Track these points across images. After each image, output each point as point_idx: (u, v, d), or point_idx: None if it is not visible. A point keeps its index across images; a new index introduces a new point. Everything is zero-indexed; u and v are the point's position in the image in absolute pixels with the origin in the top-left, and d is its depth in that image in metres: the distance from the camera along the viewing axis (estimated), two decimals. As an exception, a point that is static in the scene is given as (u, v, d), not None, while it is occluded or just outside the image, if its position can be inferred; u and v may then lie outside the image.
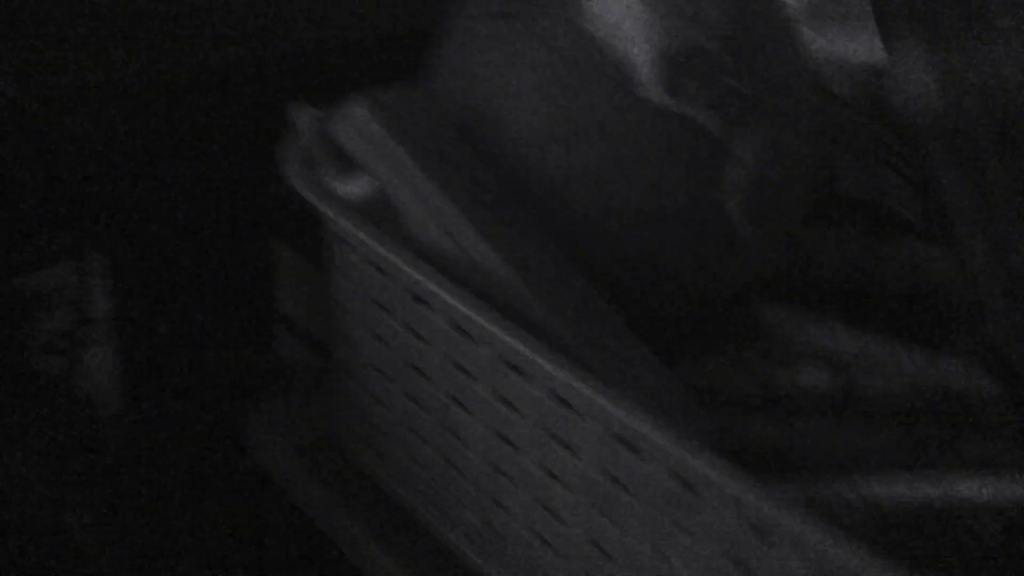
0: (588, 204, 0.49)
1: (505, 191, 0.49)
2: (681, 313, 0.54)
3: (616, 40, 0.49)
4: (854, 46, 0.73)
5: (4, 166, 0.68)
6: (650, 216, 0.49)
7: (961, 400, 0.48)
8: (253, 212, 0.85)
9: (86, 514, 0.88)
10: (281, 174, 0.51)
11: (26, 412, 0.97)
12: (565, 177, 0.49)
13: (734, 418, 0.49)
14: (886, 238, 0.57)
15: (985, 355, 0.51)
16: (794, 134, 0.52)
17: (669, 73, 0.48)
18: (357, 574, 0.58)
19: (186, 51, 0.67)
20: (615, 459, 0.40)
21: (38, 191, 0.73)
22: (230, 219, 0.84)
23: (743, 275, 0.53)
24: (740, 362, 0.53)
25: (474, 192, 0.47)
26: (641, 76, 0.48)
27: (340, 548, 0.58)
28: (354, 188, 0.50)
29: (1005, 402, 0.47)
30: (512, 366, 0.43)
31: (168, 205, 0.80)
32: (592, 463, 0.41)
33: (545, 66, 0.50)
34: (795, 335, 0.53)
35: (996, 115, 0.50)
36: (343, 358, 0.55)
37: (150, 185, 0.77)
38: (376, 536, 0.55)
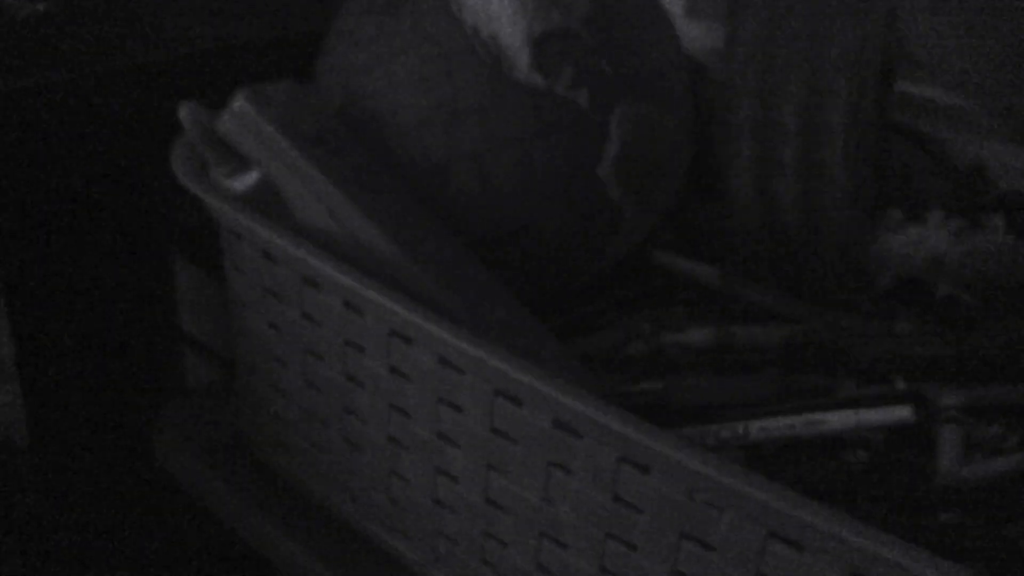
0: (470, 184, 0.51)
1: (389, 175, 0.51)
2: (567, 286, 0.56)
3: (488, 27, 0.51)
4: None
5: None
6: (530, 193, 0.52)
7: (832, 349, 0.51)
8: (154, 231, 0.85)
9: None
10: (176, 183, 0.52)
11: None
12: (447, 160, 0.51)
13: (622, 377, 0.51)
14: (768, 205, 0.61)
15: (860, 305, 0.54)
16: (664, 112, 0.55)
17: (538, 55, 0.50)
18: (270, 568, 0.59)
19: (82, 59, 0.68)
20: (500, 413, 0.42)
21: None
22: (131, 239, 0.84)
23: (624, 247, 0.55)
24: (632, 331, 0.56)
25: (357, 175, 0.49)
26: (513, 60, 0.51)
27: (253, 546, 0.58)
28: (244, 184, 0.52)
29: (875, 349, 0.50)
30: (401, 336, 0.45)
31: (67, 228, 0.80)
32: (479, 421, 0.43)
33: (424, 56, 0.52)
34: (684, 298, 0.56)
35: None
36: (243, 354, 0.56)
37: (47, 210, 0.77)
38: (285, 528, 0.56)
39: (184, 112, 0.52)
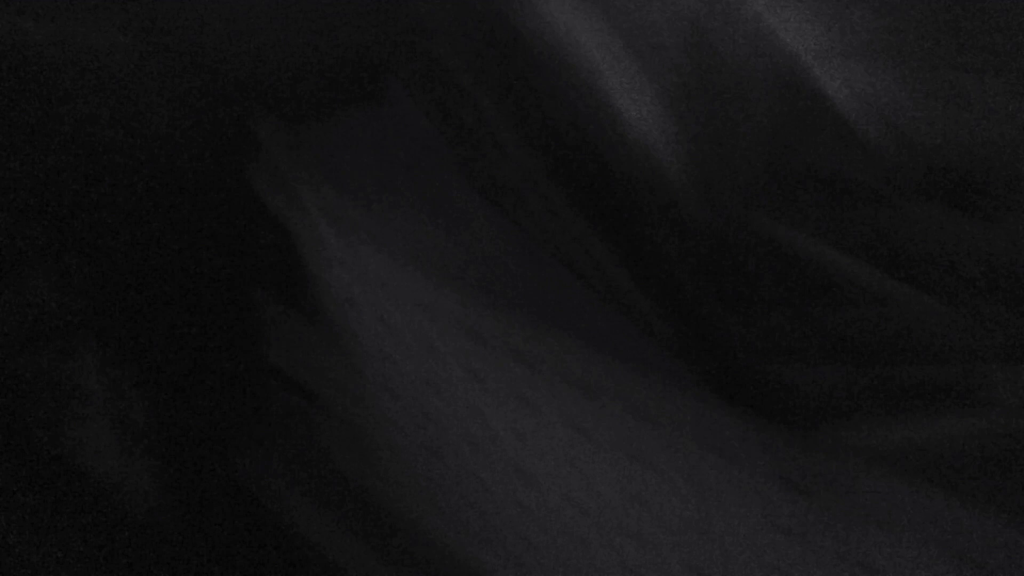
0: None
1: (462, 189, 0.50)
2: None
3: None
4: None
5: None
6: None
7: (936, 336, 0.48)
8: (239, 266, 0.86)
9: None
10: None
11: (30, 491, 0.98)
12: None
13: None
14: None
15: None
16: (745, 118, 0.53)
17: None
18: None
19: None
20: (576, 409, 0.41)
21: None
22: (216, 274, 0.85)
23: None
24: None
25: (420, 216, 0.48)
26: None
27: (346, 570, 0.58)
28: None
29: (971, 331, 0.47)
30: (476, 335, 0.44)
31: (156, 269, 0.81)
32: (556, 419, 0.42)
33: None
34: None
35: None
36: (327, 367, 0.56)
37: (135, 255, 0.78)
38: (372, 547, 0.56)
39: (257, 124, 0.53)
